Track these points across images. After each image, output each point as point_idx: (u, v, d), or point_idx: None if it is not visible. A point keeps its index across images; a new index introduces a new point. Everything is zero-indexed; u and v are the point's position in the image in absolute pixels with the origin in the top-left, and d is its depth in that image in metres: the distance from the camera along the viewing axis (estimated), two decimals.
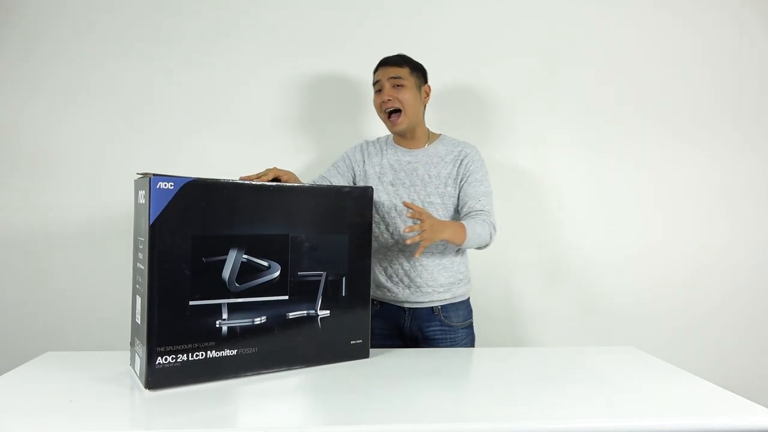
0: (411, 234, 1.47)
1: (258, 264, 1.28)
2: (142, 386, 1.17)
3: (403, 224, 1.68)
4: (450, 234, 1.52)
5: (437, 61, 1.90)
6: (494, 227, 1.65)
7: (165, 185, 1.16)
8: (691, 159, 2.25)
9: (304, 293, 1.34)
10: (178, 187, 1.17)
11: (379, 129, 2.06)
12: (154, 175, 1.15)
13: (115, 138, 2.02)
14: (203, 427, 1.01)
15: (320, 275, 1.37)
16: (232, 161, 2.05)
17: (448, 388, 1.25)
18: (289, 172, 1.54)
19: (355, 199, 1.42)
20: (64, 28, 1.99)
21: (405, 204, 1.47)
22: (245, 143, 2.07)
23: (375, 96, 1.74)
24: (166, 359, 1.17)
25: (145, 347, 1.16)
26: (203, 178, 1.22)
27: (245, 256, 1.26)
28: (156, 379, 1.16)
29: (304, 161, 2.10)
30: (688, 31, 2.22)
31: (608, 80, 2.20)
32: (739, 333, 2.29)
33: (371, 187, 1.47)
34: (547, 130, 2.19)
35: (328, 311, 1.38)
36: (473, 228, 1.57)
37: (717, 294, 2.28)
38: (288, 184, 1.35)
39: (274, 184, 1.34)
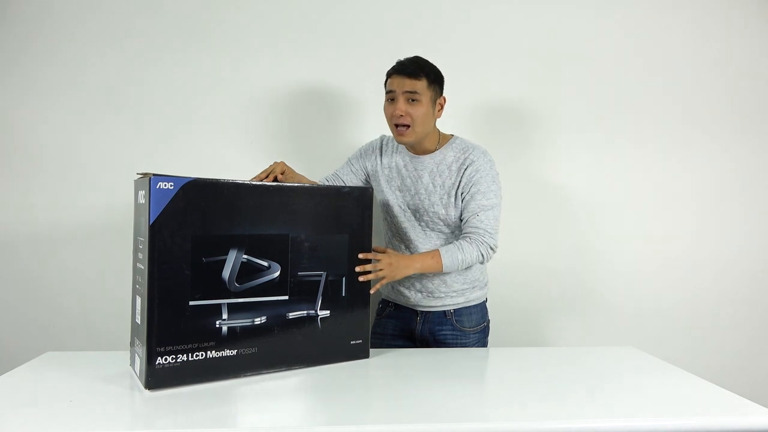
0: (367, 272, 1.44)
1: (258, 264, 1.28)
2: (142, 386, 1.17)
3: (412, 231, 1.66)
4: (420, 266, 1.54)
5: (452, 64, 1.81)
6: (489, 246, 1.57)
7: (165, 185, 1.16)
8: (691, 160, 2.25)
9: (304, 293, 1.34)
10: (178, 187, 1.17)
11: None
12: (154, 175, 1.15)
13: (115, 138, 2.01)
14: (203, 427, 1.01)
15: (320, 275, 1.37)
16: (232, 161, 2.05)
17: (448, 388, 1.25)
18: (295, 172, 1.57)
19: (355, 199, 1.42)
20: (60, 26, 1.98)
21: (360, 256, 1.44)
22: (246, 143, 2.07)
23: (386, 103, 1.61)
24: (166, 359, 1.17)
25: (145, 347, 1.16)
26: (203, 178, 1.22)
27: (245, 256, 1.26)
28: (156, 379, 1.16)
29: (308, 161, 2.09)
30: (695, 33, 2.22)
31: (609, 83, 2.20)
32: (739, 333, 2.28)
33: (371, 187, 1.47)
34: (549, 133, 2.19)
35: (328, 311, 1.38)
36: (452, 255, 1.54)
37: (717, 294, 2.27)
38: (288, 184, 1.35)
39: (274, 184, 1.34)
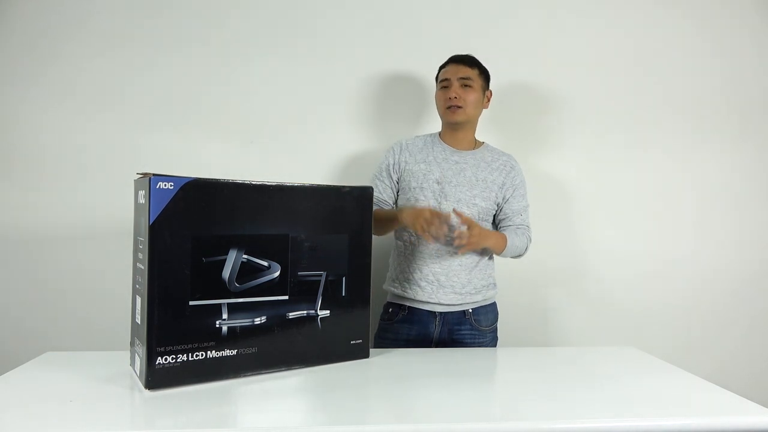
0: (458, 239, 1.54)
1: (258, 264, 1.28)
2: (142, 386, 1.17)
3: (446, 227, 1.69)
4: (493, 242, 1.65)
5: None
6: (530, 240, 1.78)
7: (165, 185, 1.16)
8: (692, 162, 2.25)
9: (304, 293, 1.34)
10: (178, 187, 1.17)
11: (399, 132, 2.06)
12: (153, 175, 1.14)
13: (115, 138, 2.02)
14: (203, 427, 1.01)
15: (320, 275, 1.37)
16: (232, 161, 2.05)
17: (448, 387, 1.25)
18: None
19: (355, 199, 1.42)
20: (61, 26, 1.99)
21: (455, 212, 1.58)
22: (246, 143, 2.07)
23: (439, 92, 1.76)
24: (166, 359, 1.17)
25: (145, 347, 1.16)
26: (203, 178, 1.21)
27: (245, 256, 1.26)
28: (156, 379, 1.16)
29: (308, 161, 2.09)
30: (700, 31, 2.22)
31: (613, 86, 2.20)
32: (738, 333, 2.29)
33: (371, 187, 1.47)
34: (551, 136, 2.19)
35: (328, 311, 1.38)
36: (513, 240, 1.70)
37: (717, 294, 2.28)
38: (288, 184, 1.35)
39: (274, 183, 1.34)
